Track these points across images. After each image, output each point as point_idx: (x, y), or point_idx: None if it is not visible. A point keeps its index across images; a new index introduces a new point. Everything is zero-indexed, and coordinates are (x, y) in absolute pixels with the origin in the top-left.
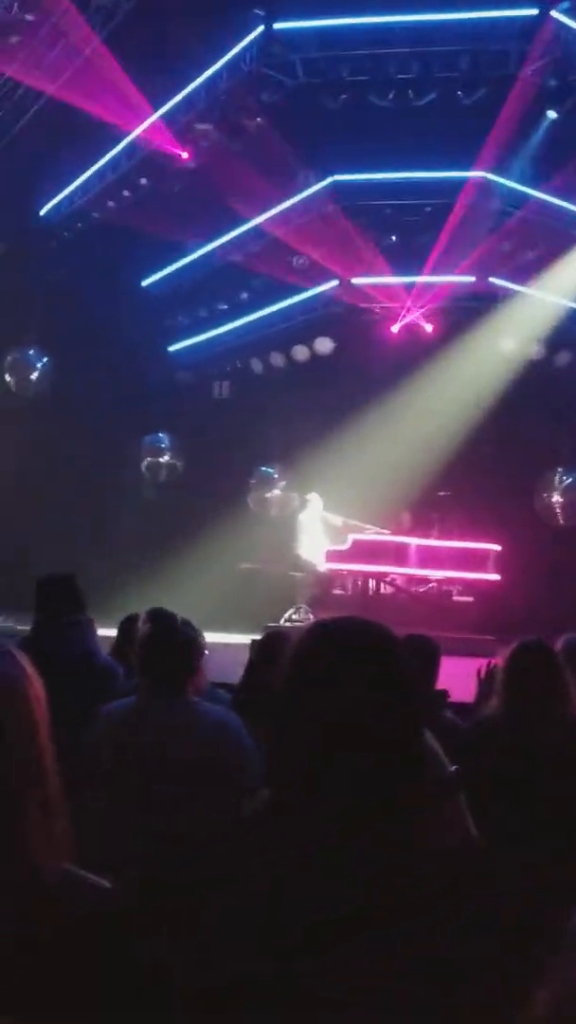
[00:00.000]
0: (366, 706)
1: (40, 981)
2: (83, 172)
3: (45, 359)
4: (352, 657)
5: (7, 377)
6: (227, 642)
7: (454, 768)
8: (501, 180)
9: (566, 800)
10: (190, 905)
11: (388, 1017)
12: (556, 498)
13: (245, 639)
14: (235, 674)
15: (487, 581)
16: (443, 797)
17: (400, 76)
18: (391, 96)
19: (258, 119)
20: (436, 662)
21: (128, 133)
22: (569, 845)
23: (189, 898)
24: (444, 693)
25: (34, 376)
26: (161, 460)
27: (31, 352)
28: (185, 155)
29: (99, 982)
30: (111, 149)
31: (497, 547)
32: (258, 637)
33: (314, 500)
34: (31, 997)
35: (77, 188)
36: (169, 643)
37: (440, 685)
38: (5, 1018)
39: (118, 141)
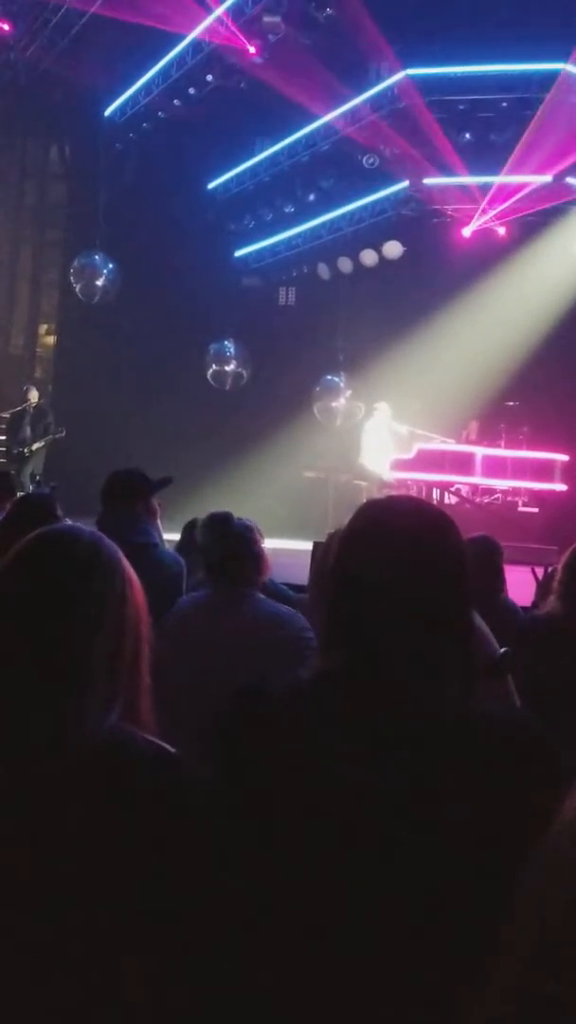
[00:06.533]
0: (418, 578)
1: (89, 834)
2: (148, 70)
3: (111, 265)
4: (405, 530)
5: (74, 283)
6: (290, 548)
7: (504, 650)
8: None
9: None
10: (247, 772)
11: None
12: None
13: (308, 545)
14: (297, 576)
15: (553, 492)
16: (491, 675)
17: None
18: None
19: (328, 9)
20: (497, 562)
21: (194, 27)
22: None
23: (245, 766)
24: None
25: (100, 282)
26: (227, 368)
27: (97, 257)
28: (252, 50)
29: (150, 841)
30: (176, 45)
31: (565, 457)
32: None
33: (382, 409)
34: (77, 851)
35: (142, 87)
36: (233, 543)
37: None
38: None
39: (183, 36)
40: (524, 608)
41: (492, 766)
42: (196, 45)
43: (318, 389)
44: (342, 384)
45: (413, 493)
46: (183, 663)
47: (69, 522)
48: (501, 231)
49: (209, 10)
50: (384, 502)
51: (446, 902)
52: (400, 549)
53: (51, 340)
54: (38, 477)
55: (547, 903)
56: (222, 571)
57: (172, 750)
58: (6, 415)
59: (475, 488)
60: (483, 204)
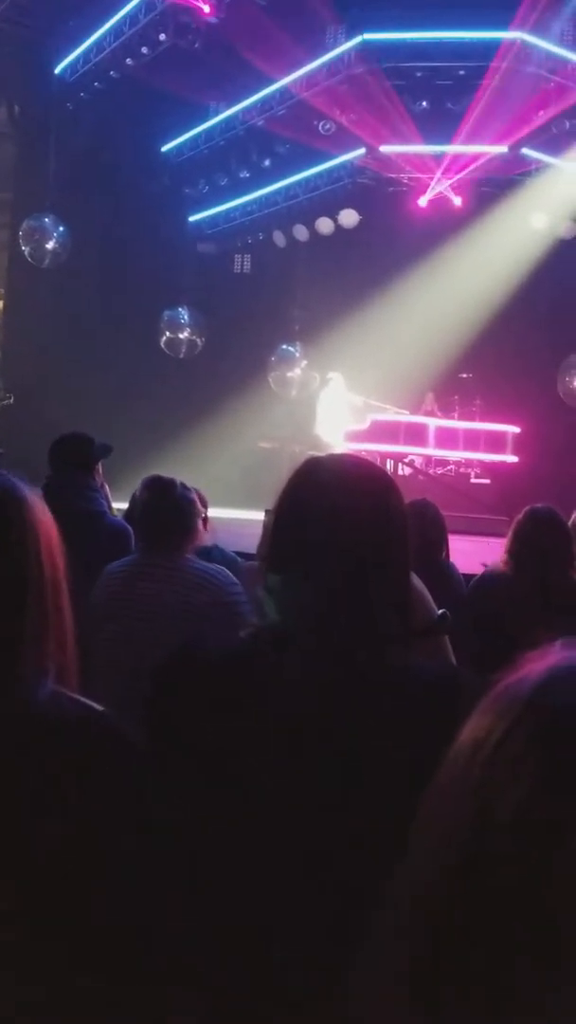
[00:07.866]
0: (354, 535)
1: (32, 794)
2: (100, 27)
3: (62, 228)
4: (343, 488)
5: (23, 246)
6: (243, 517)
7: (442, 612)
8: (539, 42)
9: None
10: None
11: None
12: None
13: (260, 515)
14: (248, 545)
15: (505, 463)
16: (428, 635)
17: None
18: None
19: None
20: (438, 523)
21: None
22: None
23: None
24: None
25: (50, 245)
26: (181, 336)
27: (47, 220)
28: (207, 8)
29: (81, 800)
30: (129, 1)
31: (516, 429)
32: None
33: (336, 379)
34: (21, 814)
35: (93, 44)
36: (165, 506)
37: (452, 560)
38: None
39: None
40: (467, 576)
41: (424, 717)
42: (149, 2)
43: (274, 359)
44: (298, 354)
45: None
46: (112, 627)
47: None
48: (457, 201)
49: None
50: (322, 459)
51: (379, 854)
52: (336, 505)
53: None
54: None
55: (438, 825)
56: (155, 537)
57: (101, 708)
58: None
59: (428, 460)
60: (439, 173)
